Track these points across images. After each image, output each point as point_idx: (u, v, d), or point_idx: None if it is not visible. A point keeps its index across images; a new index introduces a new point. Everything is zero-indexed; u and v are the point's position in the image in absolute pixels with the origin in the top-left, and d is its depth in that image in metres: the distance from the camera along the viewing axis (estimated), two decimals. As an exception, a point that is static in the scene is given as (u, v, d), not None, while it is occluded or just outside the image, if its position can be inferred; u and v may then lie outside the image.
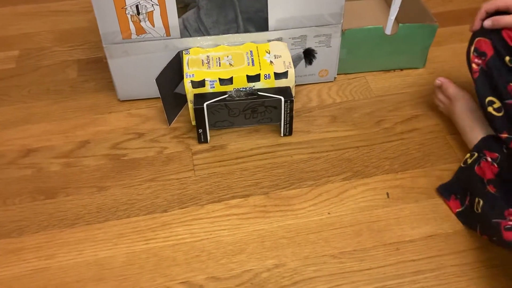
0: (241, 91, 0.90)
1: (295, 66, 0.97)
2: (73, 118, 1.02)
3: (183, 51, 0.96)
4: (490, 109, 0.78)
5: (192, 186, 0.88)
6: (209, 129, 0.95)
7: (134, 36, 0.94)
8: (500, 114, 0.78)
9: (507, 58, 0.76)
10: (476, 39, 0.80)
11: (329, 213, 0.84)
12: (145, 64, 0.98)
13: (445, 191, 0.83)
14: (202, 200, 0.86)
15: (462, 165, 0.85)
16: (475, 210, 0.76)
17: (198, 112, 0.91)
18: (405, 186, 0.87)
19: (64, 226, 0.83)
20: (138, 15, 0.91)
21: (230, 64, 0.92)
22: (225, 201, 0.86)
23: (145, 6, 0.90)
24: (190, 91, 0.91)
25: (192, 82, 0.90)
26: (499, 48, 0.77)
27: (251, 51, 0.95)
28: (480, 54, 0.79)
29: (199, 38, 0.97)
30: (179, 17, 0.94)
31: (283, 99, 0.90)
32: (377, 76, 1.09)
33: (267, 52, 0.94)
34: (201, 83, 0.90)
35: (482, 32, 0.80)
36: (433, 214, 0.83)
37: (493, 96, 0.77)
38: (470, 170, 0.81)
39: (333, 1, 0.94)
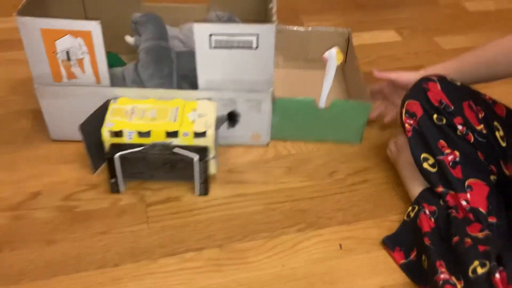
0: (157, 145, 0.90)
1: (218, 127, 0.96)
2: (25, 168, 1.00)
3: (111, 100, 0.98)
4: (425, 165, 0.83)
5: (145, 239, 0.87)
6: (129, 180, 0.95)
7: (65, 80, 0.96)
8: (434, 170, 0.83)
9: (435, 116, 0.82)
10: (407, 101, 0.86)
11: (283, 266, 0.84)
12: (75, 108, 0.99)
13: (390, 242, 0.85)
14: (155, 254, 0.85)
15: (406, 219, 0.88)
16: (423, 266, 0.79)
17: (110, 162, 0.91)
18: (357, 237, 0.89)
19: (6, 283, 0.79)
20: (69, 61, 0.93)
21: (153, 118, 0.92)
22: (178, 255, 0.85)
23: (75, 53, 0.93)
24: (107, 140, 0.92)
25: (110, 131, 0.91)
26: (427, 108, 0.83)
27: (177, 107, 0.95)
28: (411, 115, 0.85)
29: (129, 88, 0.99)
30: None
31: (196, 158, 0.90)
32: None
33: (193, 110, 0.94)
34: (119, 133, 0.91)
35: (411, 95, 0.86)
36: (384, 265, 0.84)
37: (426, 153, 0.82)
38: (412, 223, 0.85)
39: (262, 68, 0.94)
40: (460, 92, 0.86)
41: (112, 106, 0.95)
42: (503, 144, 0.82)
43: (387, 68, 1.03)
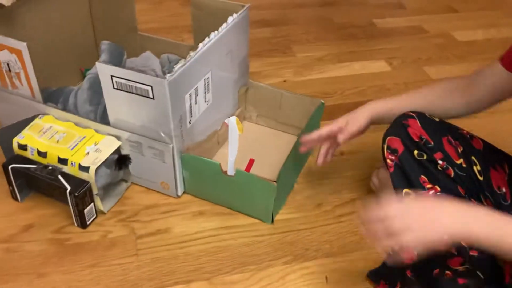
0: (48, 167, 0.94)
1: (109, 167, 0.96)
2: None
3: (40, 115, 1.03)
4: None
5: (134, 272, 0.88)
6: (35, 192, 1.02)
7: (9, 87, 1.04)
8: None
9: (415, 152, 0.84)
10: (388, 137, 0.88)
11: (269, 298, 0.85)
12: (17, 115, 1.03)
13: (375, 276, 0.86)
14: (143, 287, 0.86)
15: (390, 252, 0.89)
16: None
17: (5, 170, 0.97)
18: (344, 270, 0.90)
19: (-3, 317, 0.81)
20: (10, 72, 1.00)
21: (58, 141, 0.97)
22: (166, 288, 0.86)
23: (13, 66, 0.99)
24: (16, 150, 0.98)
25: (17, 143, 0.98)
26: (408, 144, 0.85)
27: (84, 137, 0.98)
28: (393, 150, 0.86)
29: (55, 109, 1.04)
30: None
31: (68, 190, 0.91)
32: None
33: (95, 143, 0.96)
34: (24, 147, 0.97)
35: (391, 131, 0.88)
36: (369, 298, 0.85)
37: (408, 188, 0.84)
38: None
39: (162, 120, 0.91)
40: (439, 128, 0.88)
41: (35, 121, 1.02)
42: (481, 178, 0.84)
43: (375, 97, 1.05)
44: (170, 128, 0.92)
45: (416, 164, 0.85)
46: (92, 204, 0.95)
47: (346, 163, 1.14)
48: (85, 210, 0.94)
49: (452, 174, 0.83)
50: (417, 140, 0.85)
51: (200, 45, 0.94)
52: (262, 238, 0.96)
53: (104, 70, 0.90)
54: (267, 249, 0.94)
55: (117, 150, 0.98)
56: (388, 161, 0.88)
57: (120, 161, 0.98)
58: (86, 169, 0.92)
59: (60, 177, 0.93)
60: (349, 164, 1.14)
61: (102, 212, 0.99)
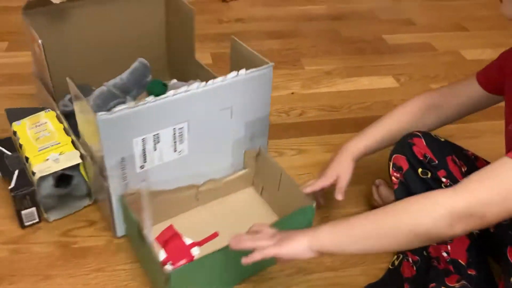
0: (16, 158, 1.01)
1: (57, 180, 0.96)
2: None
3: (47, 109, 1.09)
4: None
5: (140, 278, 0.90)
6: None
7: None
8: None
9: (420, 170, 0.86)
10: (394, 155, 0.90)
11: (270, 310, 0.86)
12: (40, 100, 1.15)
13: None
14: (147, 293, 0.87)
15: (390, 267, 0.90)
16: None
17: None
18: (345, 284, 0.91)
19: (3, 317, 0.82)
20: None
21: (38, 139, 1.01)
22: (169, 295, 0.87)
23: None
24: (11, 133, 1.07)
25: (14, 126, 1.06)
26: (413, 162, 0.87)
27: (58, 143, 0.99)
28: (398, 168, 0.88)
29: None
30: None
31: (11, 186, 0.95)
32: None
33: (60, 153, 0.97)
34: (15, 133, 1.05)
35: (398, 148, 0.89)
36: (369, 313, 0.86)
37: None
38: (396, 272, 0.87)
39: (100, 157, 0.87)
40: (444, 147, 0.89)
41: (40, 113, 1.08)
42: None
43: (381, 113, 1.06)
44: (105, 167, 0.86)
45: (420, 181, 0.86)
46: (35, 208, 0.97)
47: (352, 178, 1.15)
48: (23, 212, 0.96)
49: (455, 193, 0.85)
50: (421, 158, 0.87)
51: (171, 92, 0.86)
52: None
53: (71, 84, 0.89)
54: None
55: (74, 167, 0.97)
56: (393, 178, 0.90)
57: (60, 178, 0.97)
58: (34, 174, 0.95)
59: (16, 172, 0.97)
60: (354, 178, 1.15)
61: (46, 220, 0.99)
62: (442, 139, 0.91)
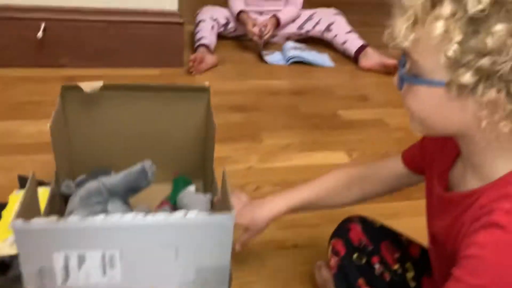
0: None
1: None
2: None
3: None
4: None
5: None
6: None
7: None
8: None
9: (355, 255, 0.91)
10: (333, 239, 0.95)
11: None
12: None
13: None
14: None
15: None
16: None
17: None
18: None
19: None
20: None
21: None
22: None
23: None
24: None
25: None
26: (349, 247, 0.92)
27: None
28: (336, 253, 0.94)
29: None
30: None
31: None
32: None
33: None
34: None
35: (336, 233, 0.95)
36: None
37: None
38: None
39: None
40: (379, 233, 0.95)
41: (42, 187, 1.05)
42: (413, 285, 0.91)
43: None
44: (22, 271, 0.82)
45: (355, 267, 0.91)
46: None
47: (299, 257, 1.19)
48: None
49: (388, 279, 0.90)
50: (357, 244, 0.92)
51: (100, 216, 0.81)
52: None
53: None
54: None
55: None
56: (332, 262, 0.95)
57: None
58: None
59: None
60: (302, 257, 1.19)
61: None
62: (378, 225, 0.97)
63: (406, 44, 0.63)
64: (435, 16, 0.60)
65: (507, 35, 0.57)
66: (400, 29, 0.63)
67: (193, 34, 2.37)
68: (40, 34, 1.88)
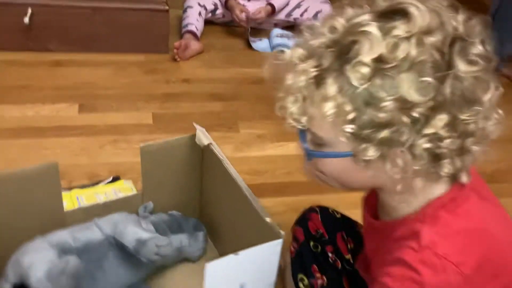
0: None
1: None
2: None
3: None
4: (301, 284, 0.99)
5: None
6: None
7: None
8: None
9: (312, 243, 1.00)
10: (294, 227, 1.03)
11: None
12: None
13: None
14: None
15: None
16: None
17: None
18: None
19: None
20: None
21: None
22: None
23: None
24: None
25: None
26: (307, 235, 1.01)
27: None
28: (296, 239, 1.02)
29: None
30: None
31: None
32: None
33: None
34: None
35: (298, 221, 1.04)
36: None
37: (303, 274, 0.99)
38: None
39: None
40: (337, 223, 1.03)
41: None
42: (365, 275, 1.00)
43: (303, 179, 1.17)
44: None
45: (311, 254, 1.00)
46: None
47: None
48: None
49: (340, 267, 0.99)
50: (314, 233, 1.01)
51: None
52: None
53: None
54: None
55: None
56: (291, 248, 1.04)
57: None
58: None
59: None
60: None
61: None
62: (338, 215, 1.05)
63: (302, 123, 0.65)
64: (322, 96, 0.60)
65: (395, 104, 0.56)
66: (292, 111, 0.64)
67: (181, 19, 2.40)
68: (27, 19, 1.91)
